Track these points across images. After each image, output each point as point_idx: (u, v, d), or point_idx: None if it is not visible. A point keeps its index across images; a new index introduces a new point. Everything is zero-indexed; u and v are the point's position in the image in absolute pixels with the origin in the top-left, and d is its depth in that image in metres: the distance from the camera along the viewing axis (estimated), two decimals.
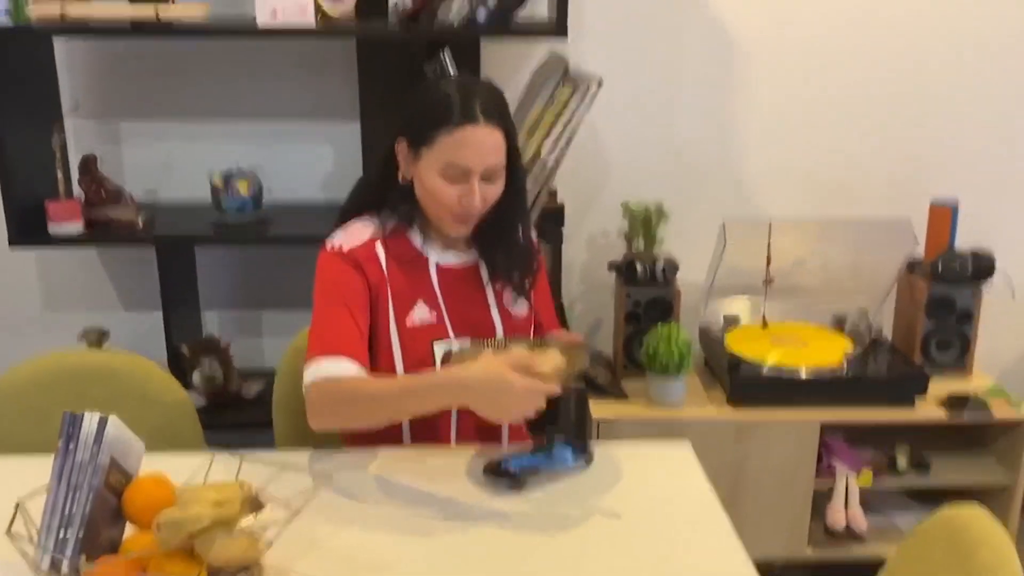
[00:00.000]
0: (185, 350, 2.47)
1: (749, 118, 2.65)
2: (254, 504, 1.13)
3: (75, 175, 2.42)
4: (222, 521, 1.12)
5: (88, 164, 2.41)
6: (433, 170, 1.60)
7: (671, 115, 2.64)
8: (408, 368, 1.65)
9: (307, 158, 2.62)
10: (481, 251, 1.75)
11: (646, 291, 2.48)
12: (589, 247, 2.74)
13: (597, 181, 2.68)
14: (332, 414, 1.54)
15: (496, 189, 1.64)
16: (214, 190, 2.38)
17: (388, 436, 1.68)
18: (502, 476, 1.51)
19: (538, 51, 2.50)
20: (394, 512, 1.45)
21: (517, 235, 1.74)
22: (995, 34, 2.60)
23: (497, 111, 1.60)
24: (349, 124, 2.57)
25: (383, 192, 1.70)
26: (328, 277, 1.64)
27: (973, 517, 1.29)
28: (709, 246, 2.57)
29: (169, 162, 2.60)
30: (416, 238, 1.71)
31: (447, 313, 1.68)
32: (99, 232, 2.36)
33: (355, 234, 1.68)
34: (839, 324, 2.64)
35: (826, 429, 2.37)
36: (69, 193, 2.38)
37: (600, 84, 2.19)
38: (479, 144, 1.57)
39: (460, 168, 1.58)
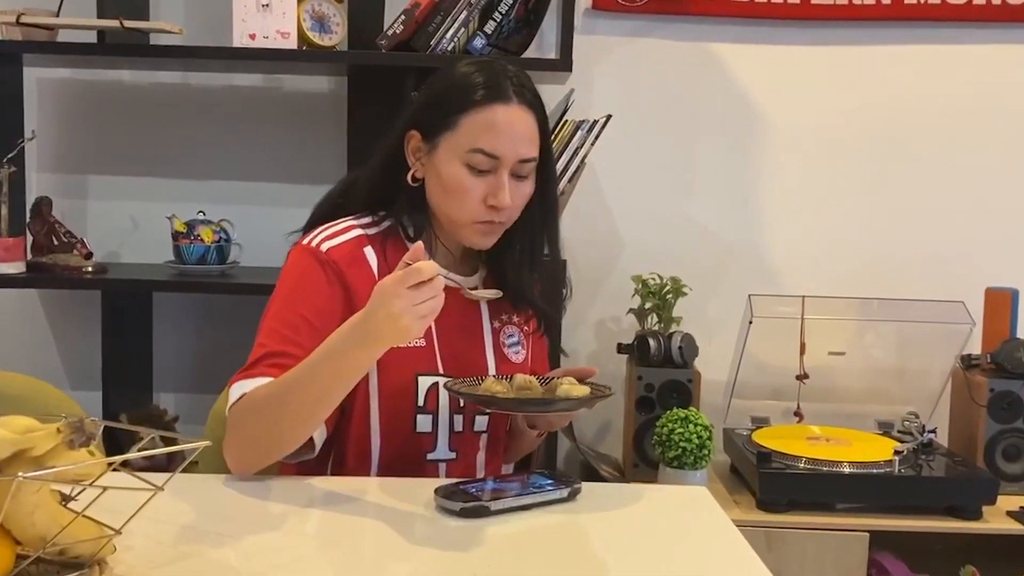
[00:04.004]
0: (123, 420, 2.14)
1: (773, 192, 2.39)
2: (78, 433, 0.79)
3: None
4: (30, 455, 0.78)
5: (40, 207, 2.18)
6: (455, 159, 1.33)
7: (688, 189, 2.39)
8: (382, 397, 1.35)
9: (287, 223, 2.37)
10: (498, 274, 1.44)
11: (660, 373, 2.14)
12: (598, 334, 2.42)
13: (607, 260, 2.39)
14: (249, 431, 1.23)
15: (527, 189, 1.36)
16: (175, 235, 2.13)
17: None
18: (458, 497, 1.15)
19: (544, 90, 2.28)
20: (303, 530, 1.10)
21: (544, 253, 1.45)
22: None
23: (531, 93, 1.36)
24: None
25: (383, 196, 1.42)
26: (293, 279, 1.35)
27: None
28: (731, 337, 2.25)
29: (136, 221, 2.36)
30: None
31: (438, 342, 1.38)
32: (42, 276, 2.11)
33: (338, 232, 1.39)
34: (885, 431, 2.27)
35: (875, 542, 1.96)
36: (17, 231, 2.14)
37: (608, 119, 1.96)
38: (511, 127, 1.31)
39: (489, 155, 1.31)
